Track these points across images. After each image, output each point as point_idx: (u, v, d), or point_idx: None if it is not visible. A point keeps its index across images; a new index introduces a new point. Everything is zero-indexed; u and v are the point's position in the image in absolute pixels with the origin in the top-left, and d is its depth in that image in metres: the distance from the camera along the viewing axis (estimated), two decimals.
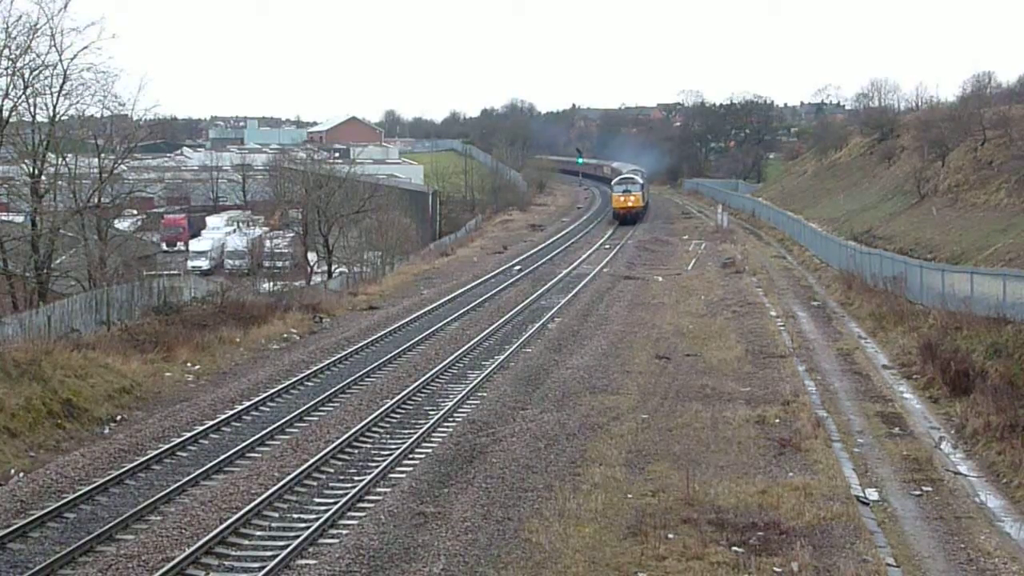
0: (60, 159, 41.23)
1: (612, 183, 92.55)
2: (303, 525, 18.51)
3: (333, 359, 32.15)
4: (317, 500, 19.99)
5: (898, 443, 24.37)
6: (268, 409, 26.59)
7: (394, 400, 26.91)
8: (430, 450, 22.89)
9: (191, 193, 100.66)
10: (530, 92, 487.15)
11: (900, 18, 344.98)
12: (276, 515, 19.14)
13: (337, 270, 64.01)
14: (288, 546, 17.20)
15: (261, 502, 19.18)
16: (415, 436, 23.60)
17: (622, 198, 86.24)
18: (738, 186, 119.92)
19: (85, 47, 39.80)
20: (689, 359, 33.45)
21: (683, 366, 32.41)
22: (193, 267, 73.39)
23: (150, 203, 75.69)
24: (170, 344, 32.67)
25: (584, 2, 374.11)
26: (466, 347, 34.09)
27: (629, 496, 20.21)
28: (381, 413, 25.65)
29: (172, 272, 56.53)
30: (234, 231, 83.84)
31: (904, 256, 45.26)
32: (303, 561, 16.81)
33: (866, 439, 24.84)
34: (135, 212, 62.36)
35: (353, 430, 24.03)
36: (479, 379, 29.54)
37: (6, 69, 38.19)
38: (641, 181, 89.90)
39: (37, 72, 38.87)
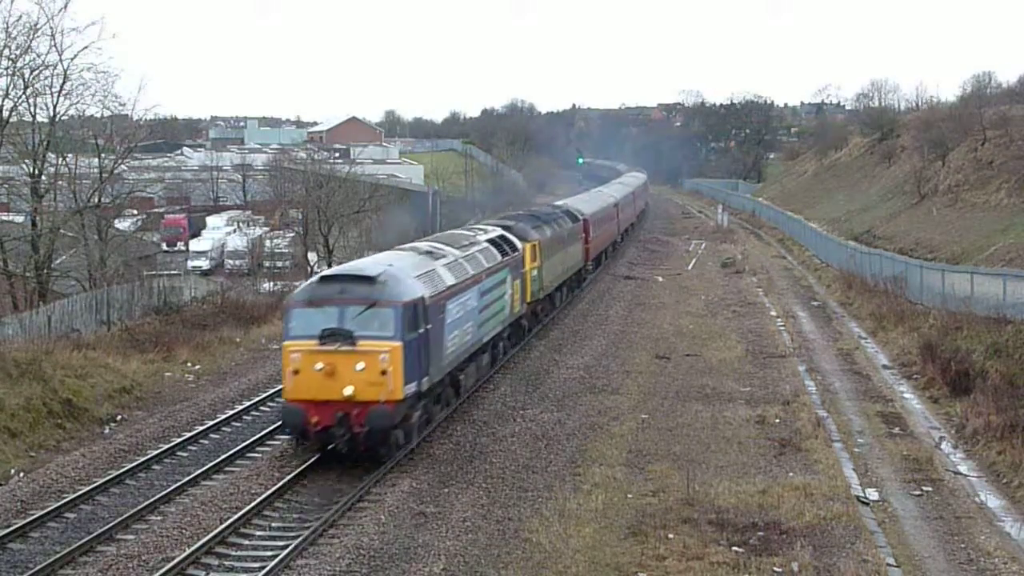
0: (60, 159, 41.29)
1: (291, 303, 23.54)
2: (303, 525, 18.49)
3: None
4: (317, 500, 19.98)
5: (898, 443, 24.37)
6: (268, 409, 26.57)
7: None
8: (430, 450, 22.87)
9: (191, 193, 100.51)
10: (530, 92, 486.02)
11: (900, 18, 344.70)
12: (276, 515, 19.14)
13: None
14: (288, 546, 17.20)
15: (262, 502, 19.18)
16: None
17: (321, 365, 21.00)
18: (738, 186, 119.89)
19: (85, 47, 39.70)
20: (689, 359, 33.43)
21: (683, 366, 32.40)
22: (193, 267, 73.25)
23: (150, 203, 75.65)
24: (170, 344, 32.68)
25: (584, 2, 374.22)
26: None
27: (629, 496, 20.19)
28: None
29: (172, 272, 56.54)
30: (234, 231, 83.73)
31: (904, 256, 45.26)
32: (303, 561, 16.82)
33: (866, 439, 24.83)
34: (135, 212, 62.35)
35: None
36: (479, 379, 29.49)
37: (6, 69, 38.31)
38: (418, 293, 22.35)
39: (37, 72, 38.98)
